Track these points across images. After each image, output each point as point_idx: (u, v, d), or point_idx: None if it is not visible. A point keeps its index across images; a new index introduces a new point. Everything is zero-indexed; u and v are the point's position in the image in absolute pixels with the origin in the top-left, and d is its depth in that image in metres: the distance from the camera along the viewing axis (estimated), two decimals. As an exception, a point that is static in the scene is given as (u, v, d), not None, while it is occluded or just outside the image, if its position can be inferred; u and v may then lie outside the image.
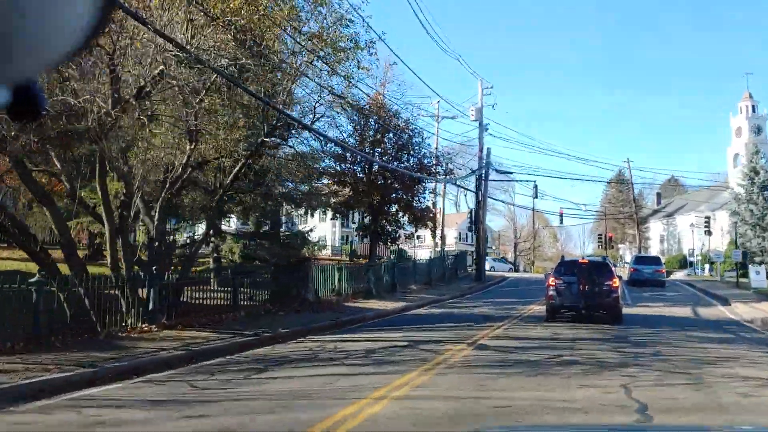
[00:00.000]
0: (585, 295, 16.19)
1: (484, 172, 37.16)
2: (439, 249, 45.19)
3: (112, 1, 1.04)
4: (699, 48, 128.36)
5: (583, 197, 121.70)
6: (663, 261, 38.46)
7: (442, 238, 46.09)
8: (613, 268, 18.21)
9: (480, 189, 37.34)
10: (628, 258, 63.22)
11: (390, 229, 39.12)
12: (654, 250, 69.21)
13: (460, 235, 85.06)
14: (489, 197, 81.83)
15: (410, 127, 37.96)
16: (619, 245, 68.23)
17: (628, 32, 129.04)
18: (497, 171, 38.78)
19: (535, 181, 43.64)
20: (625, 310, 19.95)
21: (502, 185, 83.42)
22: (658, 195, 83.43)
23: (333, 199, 38.31)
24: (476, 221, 38.36)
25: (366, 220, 39.69)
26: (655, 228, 74.94)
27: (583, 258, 21.63)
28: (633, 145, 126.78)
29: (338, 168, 37.04)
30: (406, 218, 39.00)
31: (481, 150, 37.43)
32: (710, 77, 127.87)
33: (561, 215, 59.08)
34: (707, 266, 48.80)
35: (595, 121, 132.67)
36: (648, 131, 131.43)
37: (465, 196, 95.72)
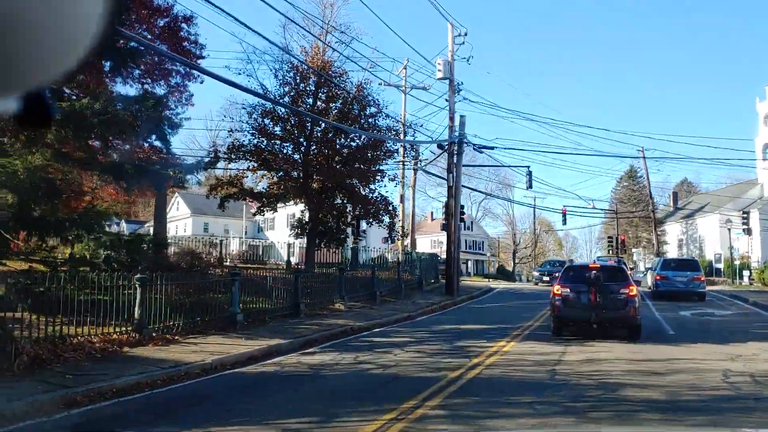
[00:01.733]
0: (597, 305, 13.43)
1: (456, 147, 26.60)
2: (409, 253, 34.64)
3: (119, 13, 0.62)
4: (715, 31, 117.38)
5: (591, 192, 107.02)
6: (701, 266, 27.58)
7: (412, 241, 35.47)
8: (629, 273, 15.69)
9: (451, 171, 26.77)
10: (644, 266, 52.31)
11: (335, 227, 28.76)
12: (671, 255, 58.14)
13: (452, 241, 74.22)
14: (489, 196, 70.82)
15: (364, 93, 27.63)
16: (633, 250, 57.26)
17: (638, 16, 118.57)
18: (475, 147, 28.20)
19: (528, 167, 33.04)
20: (673, 349, 12.18)
21: (498, 176, 72.83)
22: (675, 194, 72.68)
23: (249, 186, 27.96)
24: (447, 213, 27.77)
25: (305, 216, 29.23)
26: (672, 231, 63.92)
27: (594, 262, 18.34)
28: (646, 139, 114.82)
29: (262, 145, 26.71)
30: (358, 211, 28.51)
31: (452, 118, 26.91)
32: (731, 62, 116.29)
33: (564, 214, 48.75)
34: (746, 273, 37.88)
35: (602, 104, 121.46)
36: (663, 121, 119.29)
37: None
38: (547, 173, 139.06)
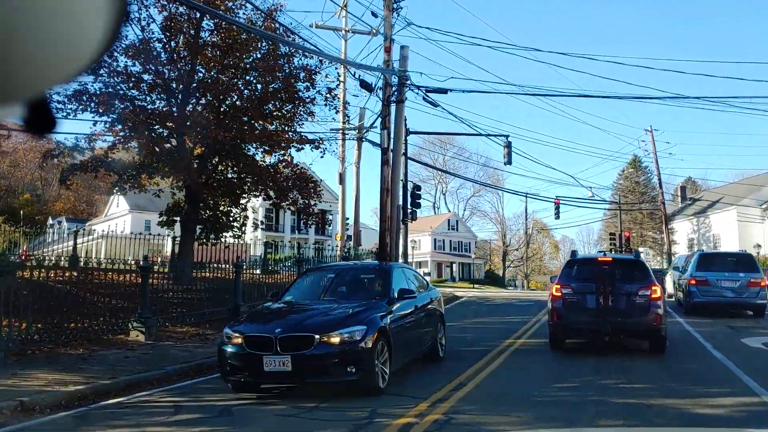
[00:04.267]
0: (609, 310, 10.47)
1: (394, 88, 17.61)
2: (349, 250, 25.54)
3: (123, 15, 0.86)
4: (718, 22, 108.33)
5: (591, 182, 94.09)
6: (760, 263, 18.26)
7: (356, 233, 26.33)
8: (650, 270, 11.82)
9: (386, 126, 17.75)
10: (651, 268, 43.17)
11: (223, 210, 19.97)
12: (682, 255, 48.97)
13: (435, 243, 65.08)
14: (474, 182, 61.14)
15: (275, 25, 18.86)
16: (640, 249, 48.15)
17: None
18: (425, 95, 19.02)
19: (507, 136, 24.06)
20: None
21: (486, 161, 63.77)
22: (683, 189, 63.50)
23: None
24: (381, 185, 18.57)
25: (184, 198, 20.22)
26: (682, 229, 54.87)
27: (604, 255, 13.24)
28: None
29: (119, 92, 17.85)
30: (258, 189, 19.56)
31: (388, 48, 17.88)
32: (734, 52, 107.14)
33: (557, 206, 39.78)
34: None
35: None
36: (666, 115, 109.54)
37: (444, 194, 75.97)
38: (538, 154, 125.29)
